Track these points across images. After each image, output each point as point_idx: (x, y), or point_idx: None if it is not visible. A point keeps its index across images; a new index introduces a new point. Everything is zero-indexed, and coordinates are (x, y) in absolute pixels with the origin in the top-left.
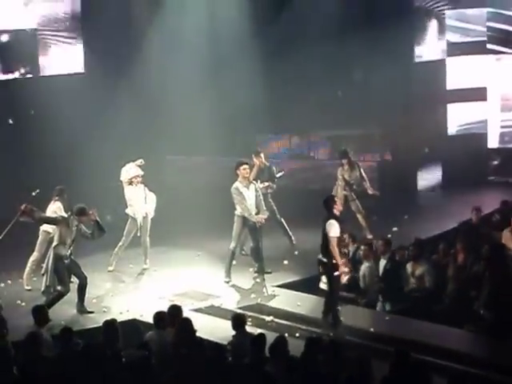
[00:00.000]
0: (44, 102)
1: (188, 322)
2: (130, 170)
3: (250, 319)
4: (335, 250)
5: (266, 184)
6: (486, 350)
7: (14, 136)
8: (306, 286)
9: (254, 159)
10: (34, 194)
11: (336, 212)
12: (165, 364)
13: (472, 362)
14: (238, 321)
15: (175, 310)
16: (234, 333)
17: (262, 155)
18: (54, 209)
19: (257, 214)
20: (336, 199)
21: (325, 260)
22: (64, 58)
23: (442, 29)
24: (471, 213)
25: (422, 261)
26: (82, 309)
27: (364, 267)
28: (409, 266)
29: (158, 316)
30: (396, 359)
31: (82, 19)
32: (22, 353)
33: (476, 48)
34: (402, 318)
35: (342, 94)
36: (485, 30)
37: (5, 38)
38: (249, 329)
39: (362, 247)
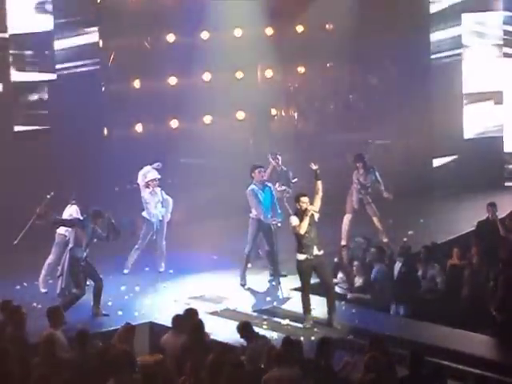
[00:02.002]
0: (59, 102)
1: (200, 325)
2: (148, 174)
3: (265, 322)
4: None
5: (283, 188)
6: (501, 353)
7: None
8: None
9: (271, 159)
10: (48, 196)
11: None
12: (179, 367)
13: (487, 366)
14: (242, 329)
15: (191, 313)
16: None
17: (279, 157)
18: (71, 212)
19: (272, 216)
20: (301, 198)
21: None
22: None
23: (458, 32)
24: (487, 209)
25: (432, 263)
26: (97, 311)
27: (375, 270)
28: (420, 268)
29: (177, 319)
30: (411, 360)
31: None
32: (37, 355)
33: (492, 51)
34: (416, 322)
35: (358, 98)
36: (501, 33)
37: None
38: (264, 332)
39: (373, 250)
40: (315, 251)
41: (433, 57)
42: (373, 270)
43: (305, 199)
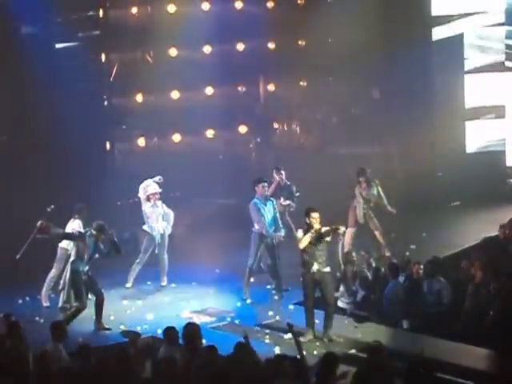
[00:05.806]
0: (60, 114)
1: (197, 339)
2: (148, 187)
3: (267, 336)
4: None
5: (287, 202)
6: (502, 367)
7: (31, 152)
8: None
9: (275, 175)
10: (49, 209)
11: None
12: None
13: (488, 380)
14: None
15: (191, 327)
16: None
17: (282, 172)
18: (74, 226)
19: (274, 231)
20: (311, 213)
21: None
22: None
23: (460, 47)
24: (499, 230)
25: (438, 277)
26: (99, 325)
27: (391, 285)
28: (426, 283)
29: (168, 332)
30: (408, 374)
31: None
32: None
33: (494, 66)
34: (419, 336)
35: (360, 111)
36: (503, 47)
37: None
38: (266, 346)
39: (388, 265)
40: (315, 267)
41: (435, 71)
42: (388, 284)
43: (315, 215)
